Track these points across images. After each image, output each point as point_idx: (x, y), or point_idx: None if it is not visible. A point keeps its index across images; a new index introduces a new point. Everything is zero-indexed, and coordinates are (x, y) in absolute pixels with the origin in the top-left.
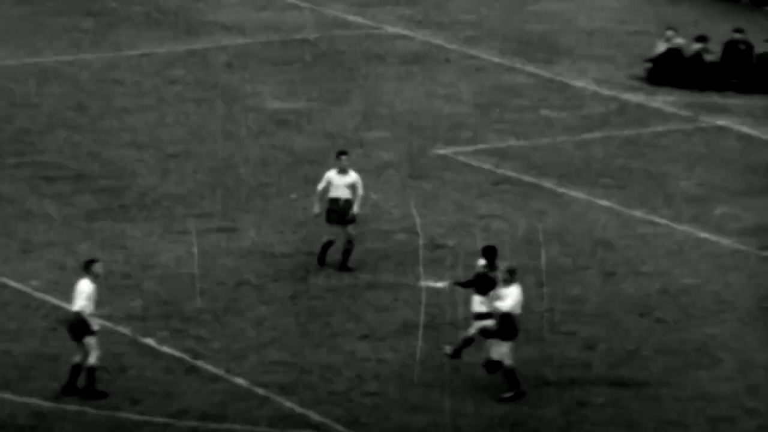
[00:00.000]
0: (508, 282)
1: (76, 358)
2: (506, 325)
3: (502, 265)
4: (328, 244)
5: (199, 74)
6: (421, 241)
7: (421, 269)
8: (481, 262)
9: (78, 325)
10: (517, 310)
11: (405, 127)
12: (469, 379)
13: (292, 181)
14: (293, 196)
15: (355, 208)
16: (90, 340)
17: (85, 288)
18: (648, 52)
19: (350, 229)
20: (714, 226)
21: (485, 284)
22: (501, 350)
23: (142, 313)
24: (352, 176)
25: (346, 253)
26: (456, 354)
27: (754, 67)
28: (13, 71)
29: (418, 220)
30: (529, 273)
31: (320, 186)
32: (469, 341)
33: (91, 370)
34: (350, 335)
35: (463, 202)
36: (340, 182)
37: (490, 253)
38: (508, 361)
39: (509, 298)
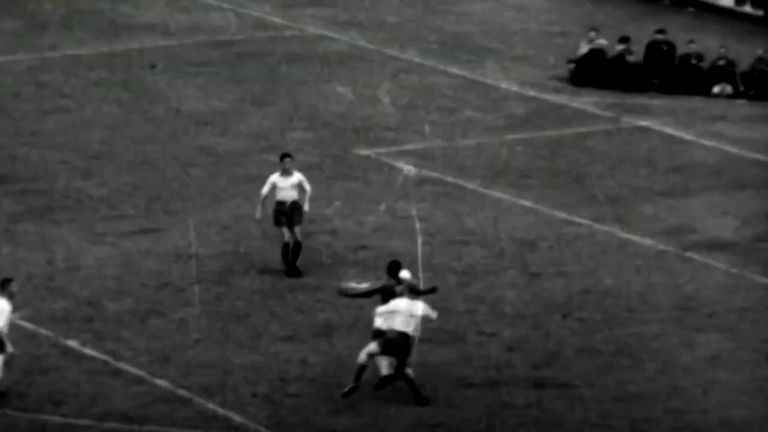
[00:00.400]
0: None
1: None
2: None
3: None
4: (286, 248)
5: (122, 75)
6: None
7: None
8: (404, 274)
9: None
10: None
11: (328, 128)
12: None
13: (215, 182)
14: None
15: (306, 207)
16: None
17: (5, 307)
18: (571, 53)
19: (298, 230)
20: (636, 226)
21: (386, 296)
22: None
23: (64, 315)
24: (297, 176)
25: (296, 254)
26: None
27: (677, 67)
28: None
29: (418, 225)
30: (451, 273)
31: (264, 190)
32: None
33: None
34: (273, 337)
35: (386, 203)
36: (285, 184)
37: (393, 268)
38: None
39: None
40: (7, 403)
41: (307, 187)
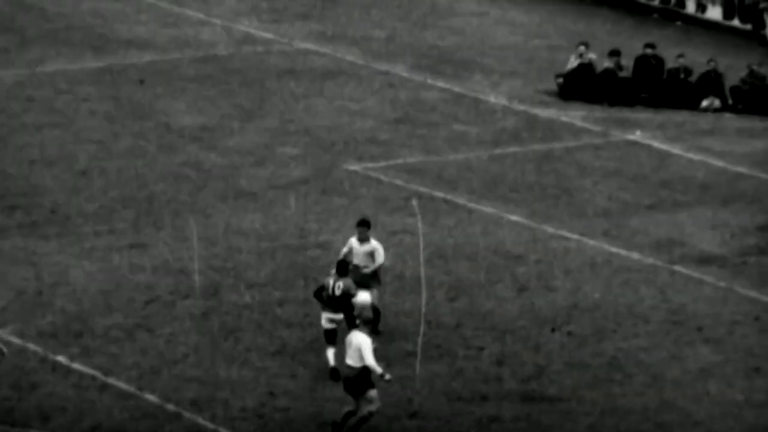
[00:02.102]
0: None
1: None
2: None
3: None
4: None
5: (110, 91)
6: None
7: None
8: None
9: None
10: None
11: (316, 142)
12: (379, 395)
13: (204, 198)
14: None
15: (367, 270)
16: None
17: None
18: (559, 68)
19: (376, 294)
20: (624, 240)
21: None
22: None
23: (53, 330)
24: (373, 244)
25: (377, 319)
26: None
27: (665, 81)
28: None
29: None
30: (440, 287)
31: (343, 251)
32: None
33: None
34: (262, 351)
35: (374, 218)
36: (360, 251)
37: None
38: None
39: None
40: None
41: (380, 258)
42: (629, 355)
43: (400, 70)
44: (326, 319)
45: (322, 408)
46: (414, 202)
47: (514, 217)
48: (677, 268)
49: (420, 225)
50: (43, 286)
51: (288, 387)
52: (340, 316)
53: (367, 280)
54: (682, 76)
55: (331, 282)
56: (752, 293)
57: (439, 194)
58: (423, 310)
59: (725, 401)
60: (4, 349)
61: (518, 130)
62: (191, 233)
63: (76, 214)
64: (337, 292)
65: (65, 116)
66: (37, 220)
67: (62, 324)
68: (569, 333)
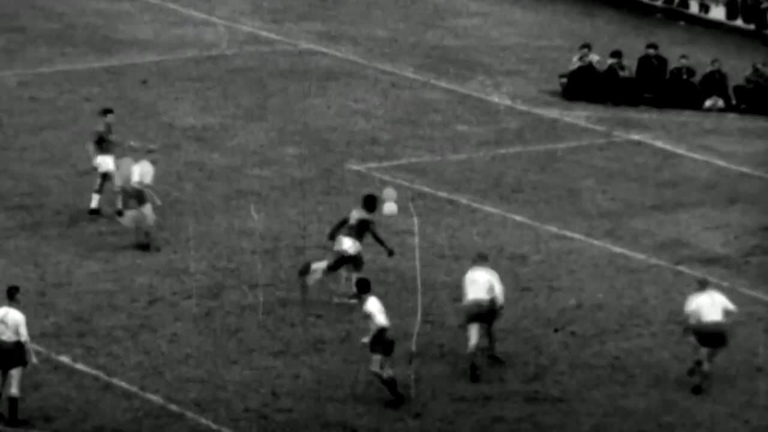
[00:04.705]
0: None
1: None
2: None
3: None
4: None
5: (114, 91)
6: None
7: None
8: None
9: (17, 355)
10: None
11: (320, 143)
12: (384, 394)
13: (206, 198)
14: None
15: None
16: (19, 372)
17: (22, 317)
18: (562, 68)
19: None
20: (628, 241)
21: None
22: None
23: (56, 331)
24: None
25: (492, 343)
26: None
27: (668, 81)
28: None
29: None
30: (443, 288)
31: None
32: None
33: (16, 400)
34: (265, 351)
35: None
36: (480, 279)
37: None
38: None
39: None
40: None
41: (498, 286)
42: (632, 355)
43: (403, 70)
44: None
45: (325, 409)
46: (410, 204)
47: (517, 218)
48: (680, 268)
49: (416, 227)
50: (46, 286)
51: (291, 387)
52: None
53: None
54: (685, 76)
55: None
56: (755, 293)
57: (442, 194)
58: (419, 309)
59: (728, 402)
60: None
61: (521, 130)
62: (192, 234)
63: (79, 214)
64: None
65: (69, 117)
66: (40, 220)
67: (65, 324)
68: (572, 333)
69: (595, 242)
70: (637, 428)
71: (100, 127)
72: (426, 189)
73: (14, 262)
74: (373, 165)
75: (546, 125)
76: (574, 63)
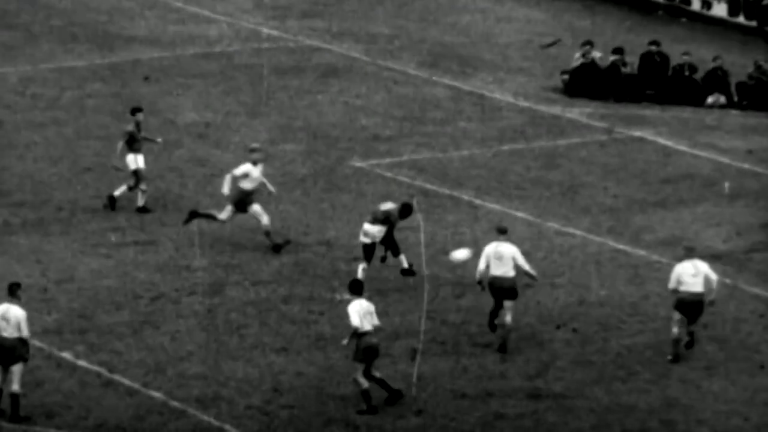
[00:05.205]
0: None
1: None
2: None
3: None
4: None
5: (116, 88)
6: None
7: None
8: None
9: (18, 351)
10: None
11: (322, 139)
12: (384, 393)
13: (208, 194)
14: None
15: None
16: (21, 368)
17: (23, 313)
18: (564, 64)
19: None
20: (630, 237)
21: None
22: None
23: (58, 327)
24: (511, 249)
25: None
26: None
27: (670, 78)
28: None
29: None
30: (446, 285)
31: (481, 265)
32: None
33: (17, 396)
34: (267, 348)
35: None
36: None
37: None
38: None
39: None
40: (0, 416)
41: (520, 260)
42: (634, 352)
43: (406, 66)
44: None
45: (327, 405)
46: (414, 201)
47: (519, 214)
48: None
49: (422, 223)
50: (48, 283)
51: (293, 384)
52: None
53: None
54: (687, 73)
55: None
56: (757, 290)
57: (444, 191)
58: (425, 307)
59: (730, 398)
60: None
61: (523, 126)
62: (195, 230)
63: (81, 211)
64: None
65: (71, 113)
66: (42, 217)
67: (67, 321)
68: (574, 330)
69: (597, 238)
70: (639, 425)
71: (130, 127)
72: (428, 186)
73: (17, 258)
74: (375, 162)
75: (548, 122)
76: (577, 59)
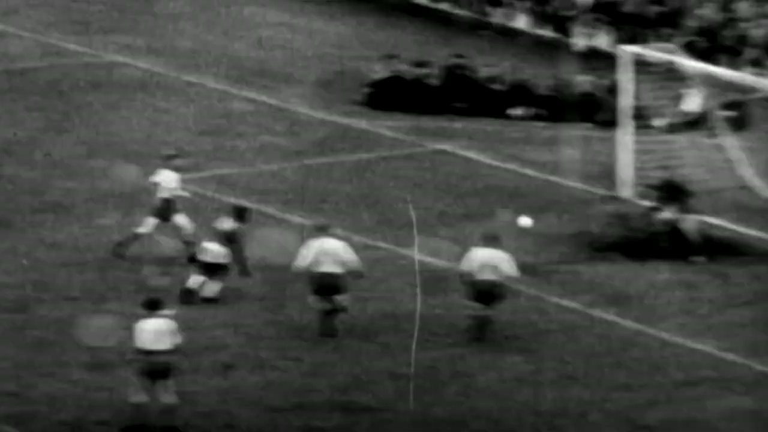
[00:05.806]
0: None
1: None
2: None
3: None
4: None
5: None
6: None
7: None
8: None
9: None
10: None
11: (126, 155)
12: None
13: (15, 211)
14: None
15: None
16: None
17: None
18: (367, 77)
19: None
20: (436, 249)
21: None
22: None
23: None
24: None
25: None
26: None
27: (475, 90)
28: None
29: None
30: (261, 299)
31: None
32: None
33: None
34: (77, 365)
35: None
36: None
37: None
38: None
39: None
40: None
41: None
42: (443, 364)
43: (209, 81)
44: None
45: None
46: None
47: None
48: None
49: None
50: None
51: (106, 400)
52: None
53: None
54: (491, 85)
55: None
56: (565, 302)
57: (252, 205)
58: (418, 310)
59: (536, 409)
60: None
61: (328, 140)
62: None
63: None
64: None
65: None
66: None
67: None
68: (383, 343)
69: (404, 251)
70: None
71: None
72: (234, 200)
73: None
74: (182, 176)
75: (352, 135)
76: (379, 73)
